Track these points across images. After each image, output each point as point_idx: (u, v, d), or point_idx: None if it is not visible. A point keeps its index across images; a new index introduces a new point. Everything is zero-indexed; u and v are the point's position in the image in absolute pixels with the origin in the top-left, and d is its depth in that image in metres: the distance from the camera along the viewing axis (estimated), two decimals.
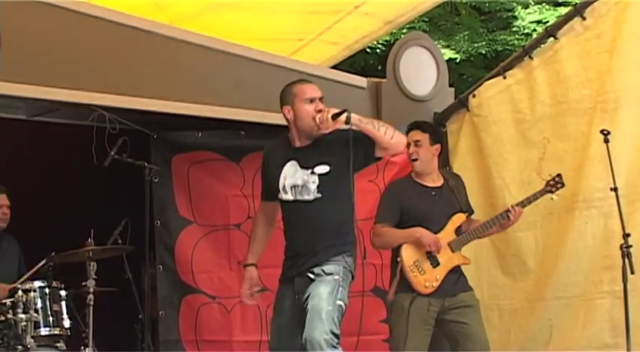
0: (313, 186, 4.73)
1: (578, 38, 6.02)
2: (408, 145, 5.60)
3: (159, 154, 6.46)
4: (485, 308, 5.67)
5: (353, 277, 4.83)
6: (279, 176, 4.81)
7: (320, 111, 4.71)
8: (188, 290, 6.47)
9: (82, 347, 5.72)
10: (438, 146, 5.70)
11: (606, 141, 5.42)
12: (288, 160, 4.82)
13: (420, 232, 5.48)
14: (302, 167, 4.78)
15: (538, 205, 6.00)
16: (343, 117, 4.62)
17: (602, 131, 5.46)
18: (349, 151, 4.64)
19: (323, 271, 4.67)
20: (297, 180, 4.78)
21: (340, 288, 4.66)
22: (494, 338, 5.96)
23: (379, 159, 4.88)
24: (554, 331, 5.87)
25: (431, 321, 5.49)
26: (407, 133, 5.63)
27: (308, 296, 4.65)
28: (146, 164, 6.04)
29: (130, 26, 5.72)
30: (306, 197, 4.75)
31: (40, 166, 7.06)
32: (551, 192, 5.61)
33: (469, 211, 5.72)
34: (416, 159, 5.64)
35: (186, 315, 6.48)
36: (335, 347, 4.55)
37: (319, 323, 4.54)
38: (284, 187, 4.81)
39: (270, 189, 4.90)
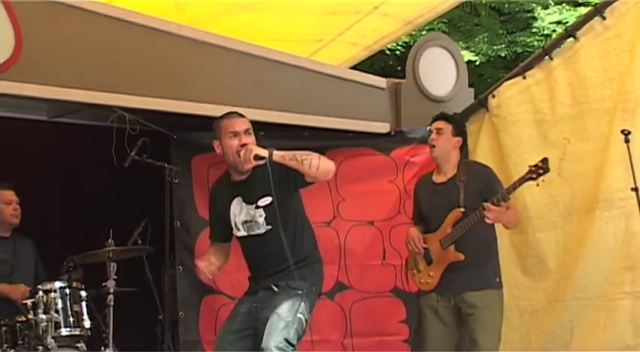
0: (261, 220, 4.78)
1: (598, 38, 5.99)
2: (430, 132, 5.63)
3: (179, 155, 6.46)
4: (505, 309, 5.62)
5: (319, 295, 4.87)
6: (230, 214, 4.86)
7: (243, 145, 4.73)
8: (208, 291, 6.46)
9: (102, 348, 5.72)
10: (459, 139, 5.68)
11: (627, 141, 5.40)
12: (233, 197, 4.86)
13: (409, 230, 5.60)
14: (246, 202, 4.82)
15: (558, 205, 5.99)
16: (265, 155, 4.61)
17: (622, 131, 5.43)
18: (285, 179, 4.66)
19: (288, 285, 4.71)
20: (245, 216, 4.83)
21: (302, 303, 4.67)
22: (514, 339, 5.94)
23: (312, 183, 4.77)
24: (575, 332, 5.84)
25: (446, 315, 5.49)
26: (431, 123, 5.68)
27: (267, 308, 4.67)
28: (166, 165, 6.03)
29: (150, 27, 5.74)
30: (258, 231, 4.80)
31: (61, 167, 7.08)
32: (533, 178, 5.36)
33: (497, 198, 5.40)
34: (434, 146, 5.64)
35: (206, 316, 6.48)
36: None
37: (276, 332, 4.56)
38: (236, 224, 4.86)
39: (221, 229, 4.97)
